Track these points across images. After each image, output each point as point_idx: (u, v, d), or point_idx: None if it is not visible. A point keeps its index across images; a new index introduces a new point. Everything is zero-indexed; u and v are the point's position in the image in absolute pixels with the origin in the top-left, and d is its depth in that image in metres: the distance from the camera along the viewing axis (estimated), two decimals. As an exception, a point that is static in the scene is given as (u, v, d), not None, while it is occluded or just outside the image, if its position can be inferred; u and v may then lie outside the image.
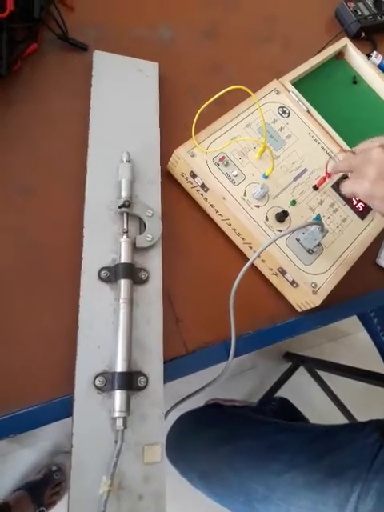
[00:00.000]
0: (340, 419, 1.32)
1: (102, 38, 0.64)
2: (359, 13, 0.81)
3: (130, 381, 0.45)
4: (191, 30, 0.71)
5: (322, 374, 1.36)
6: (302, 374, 1.39)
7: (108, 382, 0.45)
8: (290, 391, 1.33)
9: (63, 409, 0.45)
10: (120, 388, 0.44)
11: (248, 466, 0.65)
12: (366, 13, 0.82)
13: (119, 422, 0.44)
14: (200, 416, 0.71)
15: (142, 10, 0.69)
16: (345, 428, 0.69)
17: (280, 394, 1.32)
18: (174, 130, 0.60)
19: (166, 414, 0.49)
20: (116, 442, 0.43)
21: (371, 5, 0.83)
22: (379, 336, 0.83)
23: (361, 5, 0.82)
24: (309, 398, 1.39)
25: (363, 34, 0.82)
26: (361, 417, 1.30)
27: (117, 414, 0.44)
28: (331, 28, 0.83)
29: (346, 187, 0.50)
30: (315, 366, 1.35)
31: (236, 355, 0.52)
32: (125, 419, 0.44)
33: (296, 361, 1.36)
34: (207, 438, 0.67)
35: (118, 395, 0.44)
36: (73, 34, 0.61)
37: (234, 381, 1.36)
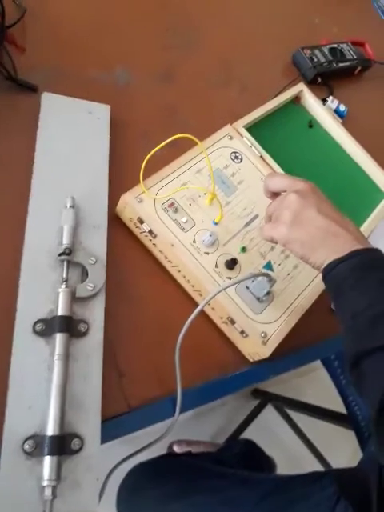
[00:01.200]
0: (308, 458, 1.29)
1: (55, 79, 0.63)
2: (315, 59, 0.83)
3: (62, 444, 0.42)
4: (147, 73, 0.71)
5: (291, 411, 1.34)
6: (270, 412, 1.36)
7: (38, 446, 0.42)
8: (258, 429, 1.30)
9: (-13, 477, 0.41)
10: (50, 453, 0.41)
11: (201, 523, 0.62)
12: (322, 59, 0.84)
13: (48, 492, 0.40)
14: (153, 468, 0.67)
15: (97, 53, 0.69)
16: (302, 479, 0.66)
17: (248, 431, 1.28)
18: (124, 173, 0.59)
19: (106, 479, 0.46)
20: (44, 513, 0.40)
21: (327, 52, 0.85)
22: (340, 380, 0.81)
23: (317, 52, 0.84)
24: (277, 437, 1.36)
25: (320, 80, 0.84)
26: (330, 456, 1.28)
27: (45, 483, 0.40)
28: (289, 73, 0.85)
29: (264, 232, 0.50)
30: (283, 404, 1.33)
31: (183, 410, 0.50)
32: (54, 488, 0.40)
33: (264, 399, 1.33)
34: (160, 494, 0.63)
35: (48, 461, 0.41)
36: (24, 76, 0.60)
37: (202, 419, 1.32)
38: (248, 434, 1.28)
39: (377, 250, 0.44)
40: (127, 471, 0.68)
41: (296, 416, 1.34)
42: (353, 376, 0.41)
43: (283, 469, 1.17)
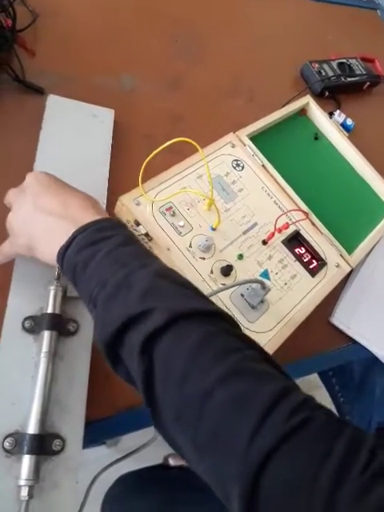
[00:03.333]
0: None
1: (62, 83, 0.64)
2: (323, 73, 0.83)
3: (43, 444, 0.41)
4: (154, 80, 0.72)
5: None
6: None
7: (18, 444, 0.41)
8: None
9: (-35, 473, 0.40)
10: (29, 452, 0.40)
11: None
12: (330, 74, 0.84)
13: (24, 491, 0.39)
14: (141, 479, 0.66)
15: (104, 59, 0.70)
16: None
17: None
18: (125, 177, 0.59)
19: (91, 485, 0.45)
20: (19, 514, 0.39)
21: (336, 66, 0.86)
22: (337, 397, 0.79)
23: (325, 66, 0.85)
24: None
25: (327, 93, 0.84)
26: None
27: (22, 482, 0.39)
28: (297, 85, 0.85)
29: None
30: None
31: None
32: (31, 488, 0.40)
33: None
34: (146, 505, 0.61)
35: (26, 460, 0.40)
36: (32, 78, 0.62)
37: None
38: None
39: (101, 220, 0.41)
40: (115, 479, 0.67)
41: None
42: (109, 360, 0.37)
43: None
